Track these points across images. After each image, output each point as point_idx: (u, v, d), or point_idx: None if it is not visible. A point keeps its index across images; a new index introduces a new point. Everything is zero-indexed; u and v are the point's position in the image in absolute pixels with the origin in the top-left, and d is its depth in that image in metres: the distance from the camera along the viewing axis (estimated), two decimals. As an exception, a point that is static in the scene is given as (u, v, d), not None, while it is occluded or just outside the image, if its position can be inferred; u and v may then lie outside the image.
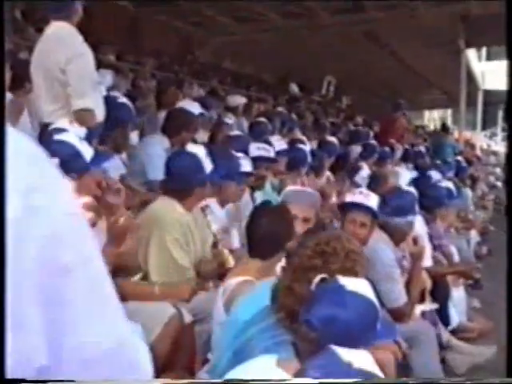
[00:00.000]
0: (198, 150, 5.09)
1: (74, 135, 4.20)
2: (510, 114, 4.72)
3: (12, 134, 0.92)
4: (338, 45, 16.24)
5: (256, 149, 7.06)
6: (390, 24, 15.01)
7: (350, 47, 16.62)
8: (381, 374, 2.11)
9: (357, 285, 2.65)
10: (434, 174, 10.19)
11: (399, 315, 5.23)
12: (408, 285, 5.57)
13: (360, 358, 2.10)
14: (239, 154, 6.08)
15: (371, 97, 26.25)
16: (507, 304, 4.81)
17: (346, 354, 2.10)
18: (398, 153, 13.00)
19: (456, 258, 8.08)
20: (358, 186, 7.67)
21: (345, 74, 19.12)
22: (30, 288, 0.90)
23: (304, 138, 9.62)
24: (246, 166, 6.05)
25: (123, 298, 4.01)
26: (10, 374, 0.95)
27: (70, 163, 3.83)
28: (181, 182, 4.86)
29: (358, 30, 15.54)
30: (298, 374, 2.10)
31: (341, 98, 22.17)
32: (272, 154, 7.18)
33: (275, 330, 2.86)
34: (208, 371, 3.30)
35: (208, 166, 5.02)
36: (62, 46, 5.16)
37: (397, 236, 5.61)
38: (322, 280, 2.73)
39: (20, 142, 0.94)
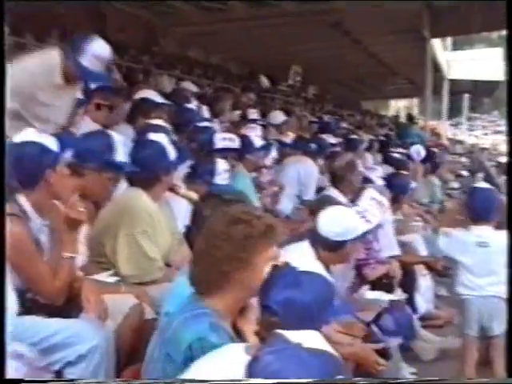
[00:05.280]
0: (161, 138, 5.05)
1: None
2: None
3: None
4: (304, 34, 16.20)
5: (221, 140, 7.03)
6: (355, 13, 15.01)
7: (315, 36, 16.59)
8: (332, 351, 2.13)
9: (308, 264, 2.66)
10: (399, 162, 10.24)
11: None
12: None
13: (309, 338, 2.12)
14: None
15: (337, 86, 26.31)
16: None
17: (293, 335, 2.12)
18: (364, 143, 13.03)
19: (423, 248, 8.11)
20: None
21: (311, 63, 19.10)
22: None
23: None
24: None
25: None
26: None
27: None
28: (146, 170, 4.80)
29: (323, 19, 15.52)
30: (252, 361, 2.10)
31: (307, 88, 22.16)
32: (237, 145, 7.14)
33: (191, 306, 2.88)
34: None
35: (172, 153, 4.98)
36: None
37: None
38: (275, 265, 2.75)
39: None
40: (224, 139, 7.05)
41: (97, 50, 5.59)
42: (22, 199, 3.81)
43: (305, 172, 8.70)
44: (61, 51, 5.53)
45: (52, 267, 3.77)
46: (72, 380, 3.13)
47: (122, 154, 4.66)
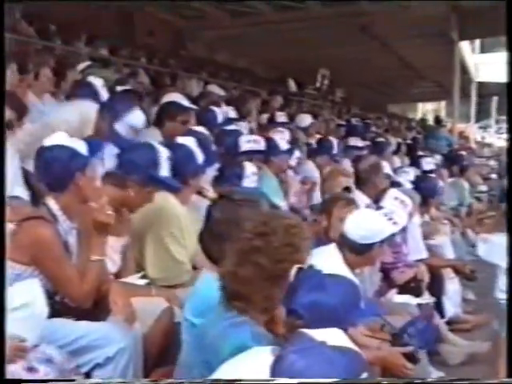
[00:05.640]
0: (189, 141, 5.06)
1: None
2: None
3: None
4: (331, 37, 16.18)
5: (247, 142, 7.02)
6: (383, 16, 14.97)
7: (342, 40, 16.56)
8: (356, 348, 2.13)
9: (334, 267, 2.66)
10: (427, 165, 10.20)
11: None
12: None
13: (333, 336, 2.13)
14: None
15: (365, 89, 26.22)
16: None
17: (317, 333, 2.13)
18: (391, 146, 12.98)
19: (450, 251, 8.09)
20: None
21: (338, 66, 19.06)
22: None
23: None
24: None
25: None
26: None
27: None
28: (174, 174, 4.81)
29: (351, 22, 15.49)
30: (276, 360, 2.10)
31: (334, 91, 22.12)
32: (262, 147, 7.13)
33: (229, 314, 2.86)
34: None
35: (200, 156, 4.99)
36: None
37: None
38: (299, 269, 2.74)
39: None
40: (249, 141, 7.04)
41: (133, 120, 5.65)
42: (51, 202, 3.85)
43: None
44: (98, 106, 5.59)
45: (80, 270, 3.79)
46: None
47: (166, 169, 4.67)
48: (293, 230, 2.90)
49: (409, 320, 4.70)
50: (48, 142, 3.91)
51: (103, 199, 3.90)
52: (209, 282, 3.23)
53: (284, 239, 2.85)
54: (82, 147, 3.92)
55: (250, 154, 6.80)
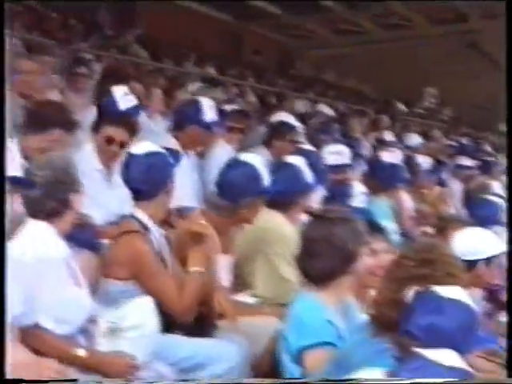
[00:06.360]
0: (298, 160, 5.06)
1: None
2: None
3: None
4: (439, 55, 16.01)
5: (330, 154, 6.85)
6: (493, 33, 14.72)
7: (450, 57, 16.37)
8: (471, 370, 2.14)
9: (453, 292, 2.62)
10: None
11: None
12: None
13: (447, 356, 2.14)
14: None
15: (474, 107, 25.81)
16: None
17: (433, 354, 2.13)
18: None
19: None
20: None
21: (446, 84, 18.84)
22: None
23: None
24: None
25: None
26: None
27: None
28: (284, 193, 4.82)
29: (459, 39, 15.30)
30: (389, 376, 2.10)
31: (442, 110, 21.84)
32: (347, 160, 6.96)
33: (374, 340, 2.85)
34: None
35: (309, 175, 4.98)
36: None
37: None
38: (418, 291, 2.72)
39: None
40: (333, 153, 6.86)
41: None
42: (139, 213, 3.86)
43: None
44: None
45: (177, 283, 3.79)
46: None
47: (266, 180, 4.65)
48: (451, 260, 2.95)
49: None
50: (137, 149, 3.93)
51: (196, 210, 3.92)
52: (307, 301, 3.27)
53: (445, 268, 2.87)
54: (169, 156, 3.96)
55: (339, 168, 6.63)
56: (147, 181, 3.84)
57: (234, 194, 4.42)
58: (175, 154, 4.16)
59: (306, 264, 3.44)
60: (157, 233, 3.91)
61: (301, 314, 3.32)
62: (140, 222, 3.83)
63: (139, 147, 3.96)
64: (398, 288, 2.85)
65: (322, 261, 3.34)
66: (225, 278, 4.44)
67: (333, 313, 3.30)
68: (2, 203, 3.01)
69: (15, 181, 3.22)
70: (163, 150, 3.98)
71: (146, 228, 3.83)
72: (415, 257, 2.92)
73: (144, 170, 3.83)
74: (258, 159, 4.65)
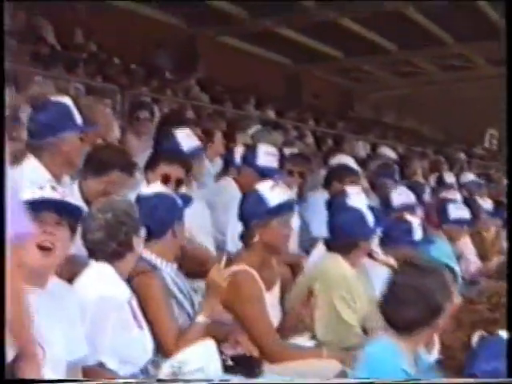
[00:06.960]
0: (360, 203, 5.04)
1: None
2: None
3: None
4: (500, 96, 15.89)
5: (397, 195, 6.81)
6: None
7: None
8: None
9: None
10: None
11: None
12: None
13: None
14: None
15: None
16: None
17: None
18: None
19: None
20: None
21: (507, 125, 18.67)
22: None
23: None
24: None
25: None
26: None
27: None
28: (345, 236, 4.80)
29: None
30: None
31: (503, 151, 21.64)
32: (413, 200, 6.90)
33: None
34: None
35: (371, 219, 4.96)
36: None
37: None
38: (482, 336, 2.72)
39: None
40: (400, 194, 6.83)
41: None
42: (146, 253, 3.87)
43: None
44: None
45: (181, 329, 3.78)
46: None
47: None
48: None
49: None
50: (148, 190, 4.06)
51: (220, 260, 3.93)
52: (386, 347, 3.22)
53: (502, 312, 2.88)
54: (177, 198, 4.03)
55: (400, 211, 6.58)
56: (156, 219, 3.90)
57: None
58: (185, 197, 4.18)
59: (393, 311, 3.41)
60: (168, 268, 3.94)
61: (377, 359, 3.29)
62: (148, 262, 3.87)
63: (148, 188, 4.12)
64: (466, 332, 2.84)
65: (411, 310, 3.28)
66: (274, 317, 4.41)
67: (408, 362, 3.27)
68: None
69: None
70: (171, 192, 4.09)
71: (154, 267, 3.87)
72: (482, 300, 2.90)
73: (153, 209, 3.91)
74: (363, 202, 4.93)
